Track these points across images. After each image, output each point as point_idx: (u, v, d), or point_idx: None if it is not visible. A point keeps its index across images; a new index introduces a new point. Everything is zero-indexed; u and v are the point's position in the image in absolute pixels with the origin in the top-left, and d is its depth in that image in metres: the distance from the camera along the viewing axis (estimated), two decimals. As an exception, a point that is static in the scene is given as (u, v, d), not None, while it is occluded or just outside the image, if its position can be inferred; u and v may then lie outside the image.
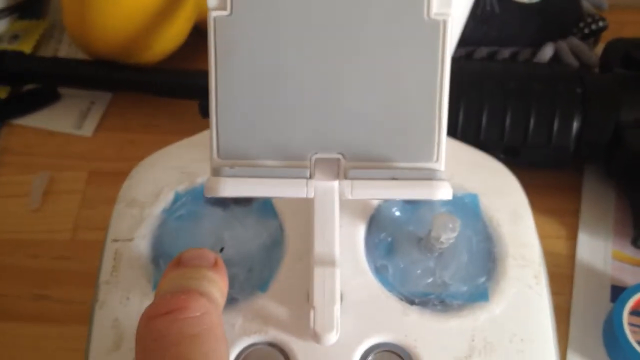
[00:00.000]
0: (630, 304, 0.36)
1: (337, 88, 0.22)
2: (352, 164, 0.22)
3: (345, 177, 0.22)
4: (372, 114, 0.22)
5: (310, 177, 0.22)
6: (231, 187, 0.21)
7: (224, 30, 0.21)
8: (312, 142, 0.22)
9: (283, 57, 0.22)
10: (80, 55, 0.49)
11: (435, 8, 0.21)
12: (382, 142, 0.22)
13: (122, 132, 0.48)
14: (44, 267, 0.41)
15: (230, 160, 0.22)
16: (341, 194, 0.22)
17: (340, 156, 0.22)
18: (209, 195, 0.22)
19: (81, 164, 0.46)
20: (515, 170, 0.34)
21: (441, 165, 0.22)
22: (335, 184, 0.23)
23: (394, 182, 0.22)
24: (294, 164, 0.22)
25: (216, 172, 0.22)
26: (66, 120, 0.49)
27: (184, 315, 0.21)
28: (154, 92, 0.47)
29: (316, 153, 0.22)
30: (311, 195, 0.22)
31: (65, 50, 0.54)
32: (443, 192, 0.22)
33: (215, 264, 0.24)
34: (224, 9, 0.21)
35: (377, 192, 0.22)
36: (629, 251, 0.40)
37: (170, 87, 0.46)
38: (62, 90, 0.50)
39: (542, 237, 0.41)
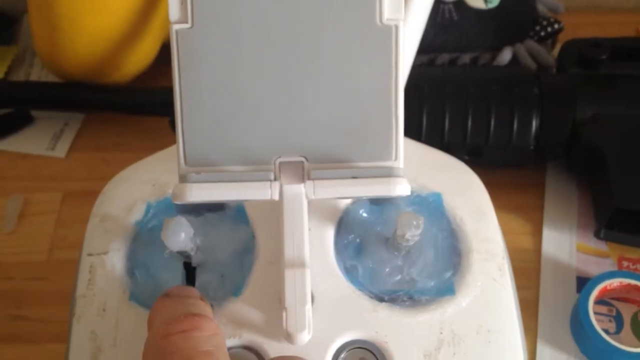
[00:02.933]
0: (594, 294, 0.37)
1: (297, 94, 0.23)
2: (315, 165, 0.23)
3: (308, 179, 0.23)
4: (332, 118, 0.23)
5: (275, 179, 0.23)
6: (197, 192, 0.22)
7: (185, 42, 0.22)
8: (275, 146, 0.23)
9: (243, 66, 0.23)
10: (52, 78, 0.50)
11: (387, 14, 0.22)
12: (343, 143, 0.23)
13: (95, 151, 0.49)
14: (20, 288, 0.42)
15: (196, 167, 0.23)
16: (306, 195, 0.23)
17: (303, 159, 0.23)
18: (176, 202, 0.23)
19: (55, 185, 0.47)
20: (480, 169, 0.35)
21: (400, 164, 0.23)
22: (302, 187, 0.24)
23: (355, 180, 0.23)
24: (259, 168, 0.23)
25: (183, 178, 0.23)
26: (39, 142, 0.49)
27: (199, 334, 0.23)
28: (125, 111, 0.48)
29: (280, 157, 0.23)
30: (275, 197, 0.23)
31: (37, 74, 0.54)
32: (401, 188, 0.23)
33: (201, 298, 0.26)
34: (186, 22, 0.22)
35: (338, 190, 0.23)
36: (592, 243, 0.41)
37: (140, 105, 0.47)
38: (35, 113, 0.51)
39: (509, 233, 0.43)
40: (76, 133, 0.49)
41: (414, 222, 0.28)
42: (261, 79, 0.23)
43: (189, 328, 0.23)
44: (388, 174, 0.23)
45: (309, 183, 0.23)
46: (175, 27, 0.22)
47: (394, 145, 0.23)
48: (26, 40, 0.56)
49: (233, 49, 0.22)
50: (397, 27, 0.22)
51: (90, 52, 0.44)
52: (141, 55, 0.46)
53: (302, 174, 0.23)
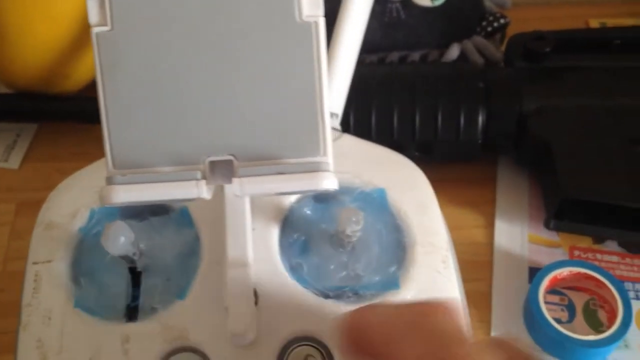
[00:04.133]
0: (545, 284, 0.37)
1: (223, 93, 0.23)
2: (244, 163, 0.23)
3: (236, 176, 0.23)
4: (259, 116, 0.23)
5: (203, 178, 0.23)
6: (123, 194, 0.22)
7: (106, 44, 0.22)
8: (203, 146, 0.23)
9: (166, 67, 0.23)
10: (3, 89, 0.49)
11: (305, 11, 0.23)
12: (271, 141, 0.23)
13: (50, 161, 0.48)
14: (-25, 301, 0.41)
15: (124, 170, 0.23)
16: (234, 192, 0.23)
17: (232, 157, 0.23)
18: (103, 204, 0.23)
19: (9, 197, 0.46)
20: (432, 166, 0.35)
21: (328, 159, 0.23)
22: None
23: (282, 176, 0.23)
24: (187, 168, 0.23)
25: (109, 181, 0.23)
26: (-8, 154, 0.49)
27: None
28: (77, 119, 0.47)
29: (209, 156, 0.23)
30: (203, 195, 0.23)
31: (-11, 86, 0.54)
32: (327, 182, 0.23)
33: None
34: (105, 24, 0.22)
35: (265, 186, 0.23)
36: (543, 233, 0.42)
37: (94, 113, 0.47)
38: (-13, 125, 0.50)
39: (462, 227, 0.44)
40: (29, 144, 0.49)
41: (354, 218, 0.28)
42: (186, 80, 0.23)
43: None
44: (315, 168, 0.23)
45: (236, 180, 0.23)
46: (95, 30, 0.22)
47: (321, 141, 0.23)
48: (-22, 52, 0.56)
49: (155, 50, 0.22)
50: (316, 23, 0.23)
51: (39, 62, 0.44)
52: (90, 64, 0.46)
53: (232, 172, 0.24)
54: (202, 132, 0.23)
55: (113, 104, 0.23)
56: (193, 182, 0.23)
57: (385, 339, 0.21)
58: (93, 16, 0.22)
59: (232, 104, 0.23)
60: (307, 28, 0.23)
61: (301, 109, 0.23)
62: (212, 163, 0.24)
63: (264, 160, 0.23)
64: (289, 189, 0.23)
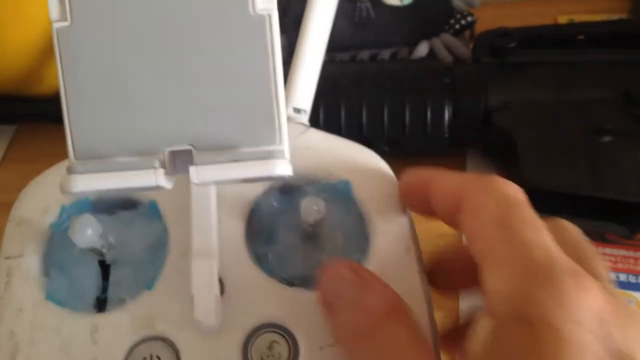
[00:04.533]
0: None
1: (180, 84, 0.24)
2: (202, 152, 0.24)
3: (192, 164, 0.24)
4: (216, 105, 0.24)
5: (162, 166, 0.24)
6: (82, 183, 0.23)
7: (66, 39, 0.23)
8: (162, 136, 0.24)
9: (124, 59, 0.23)
10: (-18, 93, 0.50)
11: (259, 4, 0.24)
12: (228, 130, 0.24)
13: (28, 162, 0.49)
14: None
15: (85, 160, 0.24)
16: (192, 180, 0.24)
17: (190, 147, 0.24)
18: (63, 193, 0.23)
19: (-13, 197, 0.47)
20: (402, 159, 0.36)
21: (283, 147, 0.24)
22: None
23: (237, 163, 0.24)
24: (147, 157, 0.24)
25: (70, 170, 0.23)
26: (-30, 156, 0.49)
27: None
28: (55, 120, 0.48)
29: (168, 146, 0.24)
30: (161, 183, 0.24)
31: (-32, 90, 0.54)
32: (282, 168, 0.24)
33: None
34: (65, 20, 0.23)
35: (220, 173, 0.24)
36: (510, 225, 0.42)
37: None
38: (-35, 129, 0.51)
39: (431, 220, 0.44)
40: (7, 145, 0.50)
41: (315, 207, 0.29)
42: (143, 72, 0.24)
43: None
44: (270, 156, 0.24)
45: (192, 168, 0.24)
46: (56, 25, 0.23)
47: (277, 130, 0.24)
48: (-45, 57, 0.56)
49: (112, 44, 0.23)
50: (270, 16, 0.24)
51: (14, 64, 0.45)
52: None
53: (191, 161, 0.24)
54: (161, 123, 0.24)
55: (73, 96, 0.23)
56: (151, 171, 0.23)
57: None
58: (54, 12, 0.23)
59: (190, 95, 0.24)
60: (261, 20, 0.24)
61: (257, 99, 0.24)
62: (173, 153, 0.25)
63: (222, 149, 0.24)
64: (244, 175, 0.24)
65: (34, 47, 0.45)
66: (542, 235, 0.23)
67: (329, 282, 0.27)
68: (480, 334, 0.22)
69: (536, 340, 0.19)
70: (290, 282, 0.30)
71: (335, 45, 0.40)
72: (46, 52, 0.46)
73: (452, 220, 0.27)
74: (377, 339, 0.24)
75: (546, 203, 0.41)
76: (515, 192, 0.25)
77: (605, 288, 0.20)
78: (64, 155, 0.49)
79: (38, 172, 0.49)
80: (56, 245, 0.32)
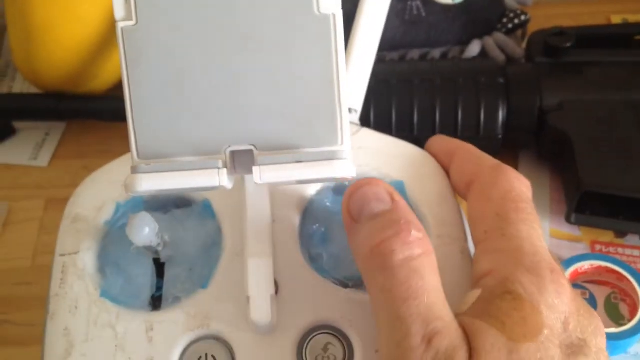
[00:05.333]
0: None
1: (243, 84, 0.24)
2: (264, 153, 0.24)
3: (255, 165, 0.24)
4: (278, 106, 0.24)
5: (224, 167, 0.24)
6: (147, 182, 0.23)
7: (131, 38, 0.23)
8: (224, 136, 0.24)
9: (189, 59, 0.23)
10: (34, 90, 0.51)
11: (323, 3, 0.23)
12: (290, 131, 0.24)
13: (77, 159, 0.50)
14: (6, 293, 0.42)
15: (148, 160, 0.24)
16: (254, 180, 0.24)
17: (252, 147, 0.24)
18: (128, 192, 0.23)
19: (38, 193, 0.47)
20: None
21: (345, 147, 0.24)
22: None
23: (300, 164, 0.23)
24: (209, 157, 0.24)
25: (134, 170, 0.23)
26: (22, 153, 0.50)
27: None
28: (105, 118, 0.49)
29: (230, 146, 0.24)
30: (224, 183, 0.24)
31: (19, 86, 0.55)
32: (345, 170, 0.23)
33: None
34: (130, 19, 0.23)
35: (284, 174, 0.23)
36: (565, 228, 0.42)
37: (120, 111, 0.48)
38: (18, 125, 0.52)
39: (482, 222, 0.44)
40: (58, 142, 0.50)
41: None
42: (207, 72, 0.24)
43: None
44: (333, 157, 0.23)
45: (255, 168, 0.23)
46: (121, 24, 0.23)
47: (339, 130, 0.24)
48: (8, 54, 0.57)
49: (177, 44, 0.23)
50: (334, 15, 0.23)
51: (66, 62, 0.45)
52: (117, 63, 0.47)
53: (253, 162, 0.24)
54: (223, 123, 0.24)
55: (137, 96, 0.23)
56: (215, 171, 0.23)
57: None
58: (119, 11, 0.23)
59: (252, 95, 0.24)
60: (326, 20, 0.23)
61: (319, 99, 0.24)
62: (233, 153, 0.24)
63: (283, 150, 0.24)
64: (307, 177, 0.23)
65: (85, 44, 0.45)
66: (535, 232, 0.26)
67: (360, 191, 0.27)
68: (468, 300, 0.25)
69: (517, 308, 0.23)
70: (344, 284, 0.30)
71: (385, 44, 0.39)
72: (97, 50, 0.46)
73: (462, 193, 0.31)
74: (397, 259, 0.24)
75: (605, 207, 0.40)
76: (521, 187, 0.28)
77: (572, 287, 0.25)
78: (113, 152, 0.50)
79: (88, 169, 0.49)
80: (111, 242, 0.32)
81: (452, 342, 0.23)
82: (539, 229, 0.27)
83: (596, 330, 0.24)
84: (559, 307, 0.24)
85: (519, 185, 0.28)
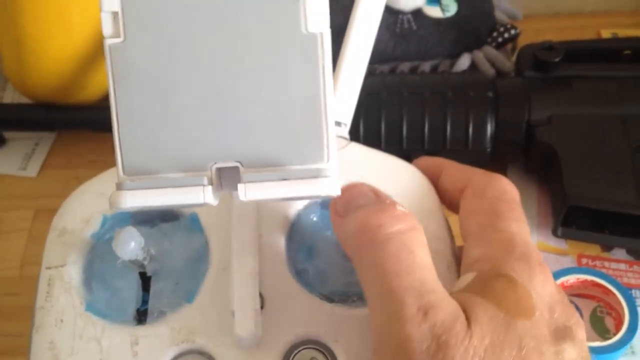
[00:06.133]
0: (552, 291, 0.38)
1: (230, 101, 0.24)
2: (249, 170, 0.24)
3: (241, 182, 0.24)
4: (264, 123, 0.24)
5: (210, 184, 0.24)
6: (131, 199, 0.23)
7: (119, 55, 0.23)
8: (210, 153, 0.24)
9: (176, 76, 0.23)
10: (24, 100, 0.51)
11: (311, 23, 0.23)
12: (276, 148, 0.24)
13: (67, 169, 0.49)
14: (-7, 304, 0.42)
15: (134, 176, 0.24)
16: (239, 197, 0.24)
17: (238, 164, 0.24)
18: (112, 209, 0.23)
19: (27, 203, 0.47)
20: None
21: (331, 165, 0.24)
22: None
23: (285, 182, 0.23)
24: (195, 174, 0.24)
25: (119, 186, 0.23)
26: (11, 162, 0.50)
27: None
28: (95, 128, 0.49)
29: (215, 163, 0.24)
30: (209, 200, 0.24)
31: (10, 96, 0.55)
32: (330, 188, 0.23)
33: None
34: (118, 36, 0.23)
35: (269, 192, 0.23)
36: (552, 242, 0.42)
37: (109, 122, 0.48)
38: (7, 135, 0.52)
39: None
40: (48, 152, 0.50)
41: None
42: (194, 89, 0.24)
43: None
44: (318, 174, 0.23)
45: (240, 186, 0.23)
46: (109, 41, 0.23)
47: (325, 148, 0.24)
48: (-1, 65, 0.57)
49: (165, 60, 0.23)
50: (322, 34, 0.23)
51: (56, 73, 0.45)
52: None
53: (238, 179, 0.24)
54: (209, 140, 0.24)
55: (123, 112, 0.23)
56: (200, 188, 0.23)
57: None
58: (107, 28, 0.23)
59: (239, 112, 0.24)
60: (313, 39, 0.23)
61: (306, 117, 0.24)
62: (219, 170, 0.24)
63: (269, 167, 0.24)
64: (292, 194, 0.23)
65: (76, 55, 0.45)
66: (525, 230, 0.28)
67: (346, 193, 0.27)
68: (462, 282, 0.27)
69: (511, 289, 0.25)
70: (329, 299, 0.30)
71: (375, 57, 0.39)
72: (87, 61, 0.46)
73: (453, 202, 0.31)
74: (385, 232, 0.25)
75: (591, 221, 0.41)
76: (512, 190, 0.29)
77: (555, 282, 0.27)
78: (103, 162, 0.50)
79: (78, 179, 0.49)
80: (97, 255, 0.32)
81: (448, 314, 0.24)
82: (528, 227, 0.28)
83: (578, 322, 0.25)
84: (546, 295, 0.25)
85: (511, 189, 0.29)
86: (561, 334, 0.25)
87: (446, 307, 0.24)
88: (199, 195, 0.23)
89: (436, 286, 0.25)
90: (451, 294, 0.25)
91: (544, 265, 0.26)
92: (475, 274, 0.26)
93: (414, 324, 0.23)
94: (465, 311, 0.24)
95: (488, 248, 0.27)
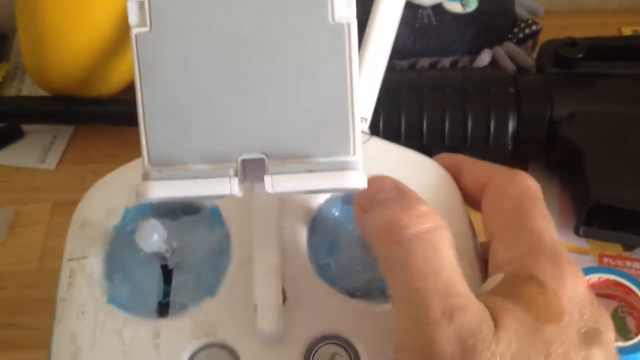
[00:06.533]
0: (574, 289, 0.37)
1: (256, 92, 0.24)
2: (275, 162, 0.24)
3: (267, 174, 0.23)
4: (290, 115, 0.24)
5: (235, 175, 0.24)
6: (158, 190, 0.23)
7: (145, 45, 0.23)
8: (236, 144, 0.24)
9: (201, 67, 0.23)
10: (42, 92, 0.51)
11: (338, 13, 0.23)
12: (302, 140, 0.24)
13: (85, 163, 0.50)
14: (12, 296, 0.42)
15: (160, 167, 0.24)
16: (265, 189, 0.24)
17: (264, 156, 0.24)
18: (139, 200, 0.23)
19: (45, 196, 0.48)
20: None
21: (357, 158, 0.24)
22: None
23: (311, 174, 0.23)
24: (221, 166, 0.24)
25: (145, 177, 0.23)
26: (30, 155, 0.50)
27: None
28: (113, 122, 0.49)
29: (241, 154, 0.24)
30: (235, 192, 0.23)
31: (28, 89, 0.55)
32: (356, 180, 0.23)
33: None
34: (145, 25, 0.23)
35: (295, 184, 0.23)
36: (573, 240, 0.41)
37: (127, 116, 0.48)
38: (26, 127, 0.52)
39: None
40: (66, 145, 0.51)
41: None
42: (220, 80, 0.24)
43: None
44: (345, 167, 0.23)
45: (267, 177, 0.23)
46: (135, 31, 0.23)
47: (351, 141, 0.24)
48: (17, 57, 0.57)
49: (191, 51, 0.23)
50: (349, 24, 0.23)
51: (75, 65, 0.45)
52: (127, 67, 0.47)
53: (264, 170, 0.24)
54: (235, 131, 0.24)
55: (150, 102, 0.23)
56: (226, 179, 0.23)
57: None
58: (133, 18, 0.23)
59: (265, 103, 0.24)
60: (340, 29, 0.23)
61: (332, 109, 0.24)
62: (244, 161, 0.24)
63: (295, 159, 0.24)
64: (318, 187, 0.23)
65: (96, 48, 0.45)
66: (551, 227, 0.27)
67: (368, 185, 0.26)
68: (490, 283, 0.26)
69: (541, 293, 0.24)
70: (351, 294, 0.30)
71: (395, 53, 0.39)
72: (106, 53, 0.46)
73: (474, 199, 0.31)
74: (410, 232, 0.25)
75: (613, 220, 0.40)
76: (535, 186, 0.29)
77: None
78: (121, 156, 0.50)
79: (96, 173, 0.50)
80: (119, 247, 0.32)
81: (475, 317, 0.23)
82: (553, 227, 0.28)
83: (607, 323, 0.25)
84: (576, 297, 0.25)
85: (534, 185, 0.29)
86: (590, 338, 0.24)
87: (473, 310, 0.23)
88: (225, 187, 0.23)
89: (462, 288, 0.24)
90: (478, 296, 0.25)
91: (574, 265, 0.26)
92: (504, 276, 0.26)
93: (440, 327, 0.23)
94: (492, 315, 0.24)
95: (516, 248, 0.27)
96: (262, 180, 0.24)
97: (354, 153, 0.24)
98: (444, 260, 0.24)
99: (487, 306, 0.24)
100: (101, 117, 0.48)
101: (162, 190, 0.23)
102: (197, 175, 0.23)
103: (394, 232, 0.25)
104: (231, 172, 0.23)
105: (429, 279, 0.24)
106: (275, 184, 0.23)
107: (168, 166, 0.24)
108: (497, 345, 0.23)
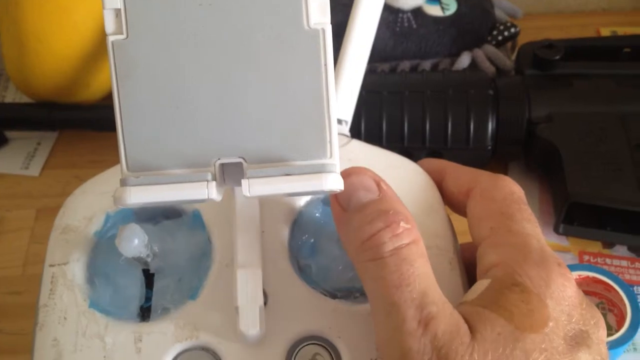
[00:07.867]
0: (554, 288, 0.38)
1: (233, 97, 0.24)
2: (253, 165, 0.24)
3: (244, 178, 0.24)
4: (267, 119, 0.24)
5: (214, 179, 0.24)
6: (136, 195, 0.23)
7: (122, 52, 0.23)
8: (214, 148, 0.24)
9: (179, 73, 0.24)
10: (26, 99, 0.51)
11: (313, 18, 0.24)
12: (279, 144, 0.24)
13: (69, 168, 0.50)
14: (-4, 303, 0.42)
15: (138, 172, 0.24)
16: (243, 193, 0.24)
17: (241, 160, 0.24)
18: (117, 205, 0.23)
19: (29, 202, 0.48)
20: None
21: (334, 160, 0.24)
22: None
23: (289, 177, 0.23)
24: (199, 170, 0.24)
25: (123, 182, 0.24)
26: (14, 162, 0.50)
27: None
28: (96, 127, 0.49)
29: (219, 159, 0.24)
30: (213, 196, 0.24)
31: (12, 96, 0.55)
32: (333, 183, 0.24)
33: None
34: (121, 33, 0.23)
35: (272, 187, 0.23)
36: (553, 239, 0.42)
37: (111, 121, 0.48)
38: (10, 134, 0.52)
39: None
40: (49, 152, 0.51)
41: None
42: (197, 85, 0.24)
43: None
44: (321, 170, 0.24)
45: (244, 181, 0.24)
46: (111, 38, 0.23)
47: (327, 144, 0.24)
48: (0, 64, 0.57)
49: (167, 57, 0.23)
50: (324, 30, 0.23)
51: (58, 72, 0.45)
52: (108, 72, 0.47)
53: (242, 174, 0.24)
54: (213, 136, 0.24)
55: (127, 109, 0.24)
56: (204, 184, 0.23)
57: None
58: (109, 26, 0.23)
59: (242, 108, 0.24)
60: (315, 35, 0.23)
61: (309, 113, 0.24)
62: (222, 165, 0.25)
63: (272, 163, 0.24)
64: (295, 190, 0.24)
65: (78, 54, 0.45)
66: (538, 230, 0.27)
67: (347, 179, 0.27)
68: (476, 289, 0.26)
69: (524, 300, 0.24)
70: (332, 294, 0.30)
71: (376, 56, 0.40)
72: (90, 60, 0.46)
73: (459, 204, 0.31)
74: (387, 250, 0.25)
75: (593, 218, 0.41)
76: (519, 191, 0.29)
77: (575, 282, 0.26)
78: (105, 162, 0.50)
79: (80, 178, 0.50)
80: (100, 253, 0.32)
81: (448, 326, 0.23)
82: (539, 226, 0.28)
83: (597, 323, 0.25)
84: (564, 299, 0.25)
85: (517, 189, 0.29)
86: (577, 341, 0.24)
87: (447, 318, 0.24)
88: (203, 191, 0.23)
89: (437, 297, 0.25)
90: (461, 304, 0.25)
91: (563, 266, 0.26)
92: (490, 281, 0.26)
93: (415, 337, 0.23)
94: (470, 325, 0.24)
95: (503, 253, 0.27)
96: (238, 182, 0.25)
97: (331, 156, 0.24)
98: (417, 271, 0.25)
99: (466, 315, 0.24)
100: (85, 123, 0.48)
101: (140, 196, 0.23)
102: (175, 180, 0.23)
103: (373, 249, 0.25)
104: (209, 177, 0.24)
105: (404, 290, 0.24)
106: (252, 187, 0.23)
107: (146, 171, 0.24)
108: (472, 354, 0.23)
